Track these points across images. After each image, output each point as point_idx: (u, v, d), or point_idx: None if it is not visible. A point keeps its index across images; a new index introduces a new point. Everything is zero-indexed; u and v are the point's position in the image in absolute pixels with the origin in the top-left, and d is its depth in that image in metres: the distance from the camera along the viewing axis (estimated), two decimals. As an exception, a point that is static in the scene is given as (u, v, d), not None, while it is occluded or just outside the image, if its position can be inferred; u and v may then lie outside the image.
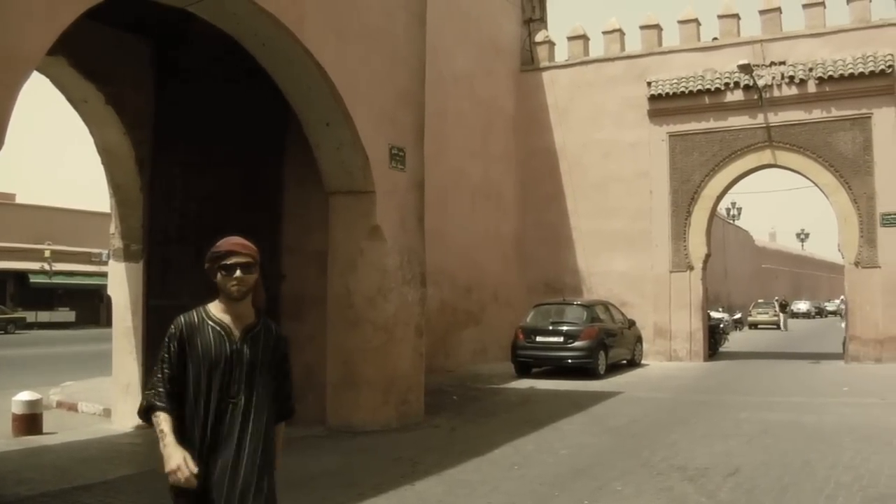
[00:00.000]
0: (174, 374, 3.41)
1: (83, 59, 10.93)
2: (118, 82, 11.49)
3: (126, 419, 11.61)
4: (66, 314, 47.84)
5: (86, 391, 15.16)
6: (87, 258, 47.73)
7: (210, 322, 3.47)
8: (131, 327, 11.82)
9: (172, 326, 3.48)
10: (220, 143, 11.25)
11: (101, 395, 13.57)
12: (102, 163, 12.02)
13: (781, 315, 42.38)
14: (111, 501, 7.30)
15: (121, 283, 12.00)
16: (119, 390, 11.96)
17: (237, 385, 3.40)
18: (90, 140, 12.04)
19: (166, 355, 3.45)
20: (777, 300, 45.29)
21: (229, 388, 3.39)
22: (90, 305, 48.85)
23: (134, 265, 11.90)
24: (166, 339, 3.46)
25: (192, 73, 11.53)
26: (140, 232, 11.90)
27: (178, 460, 3.28)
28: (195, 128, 11.38)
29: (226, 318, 3.48)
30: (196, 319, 3.48)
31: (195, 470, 3.28)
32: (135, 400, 11.57)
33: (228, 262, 3.44)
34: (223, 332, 3.45)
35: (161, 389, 3.40)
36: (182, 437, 3.37)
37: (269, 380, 3.52)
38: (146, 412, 3.44)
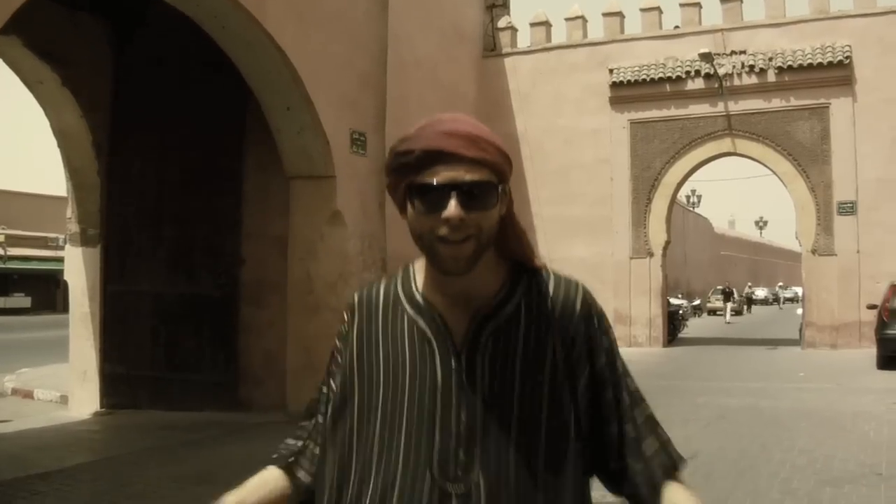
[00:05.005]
0: (336, 412, 1.63)
1: (38, 39, 10.73)
2: (74, 64, 11.30)
3: (83, 406, 11.48)
4: (21, 300, 47.12)
5: (42, 378, 14.96)
6: (43, 243, 47.01)
7: (407, 304, 1.57)
8: (88, 313, 11.67)
9: (345, 312, 1.67)
10: (179, 127, 11.12)
11: (58, 382, 13.39)
12: (59, 146, 11.83)
13: (725, 305, 38.05)
14: (68, 489, 7.21)
15: (78, 269, 11.84)
16: (76, 377, 11.81)
17: (462, 453, 1.47)
18: (46, 122, 11.85)
19: (327, 376, 1.69)
20: (722, 287, 40.57)
21: (444, 458, 1.47)
22: (46, 291, 48.14)
23: (91, 250, 11.74)
24: (335, 344, 1.68)
25: (150, 55, 11.37)
26: (97, 216, 11.74)
27: None
28: (154, 111, 11.23)
29: (434, 297, 1.55)
30: (384, 295, 1.61)
31: None
32: (92, 386, 11.48)
33: (429, 181, 1.43)
34: (428, 328, 1.53)
35: (310, 445, 1.70)
36: None
37: (557, 428, 1.51)
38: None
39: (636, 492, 1.55)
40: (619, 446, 1.56)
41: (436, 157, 1.42)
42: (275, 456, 1.70)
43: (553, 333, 1.53)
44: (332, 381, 1.65)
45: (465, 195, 1.41)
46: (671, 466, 1.57)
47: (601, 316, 1.60)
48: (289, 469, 1.67)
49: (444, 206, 1.41)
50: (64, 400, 12.35)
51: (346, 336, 1.62)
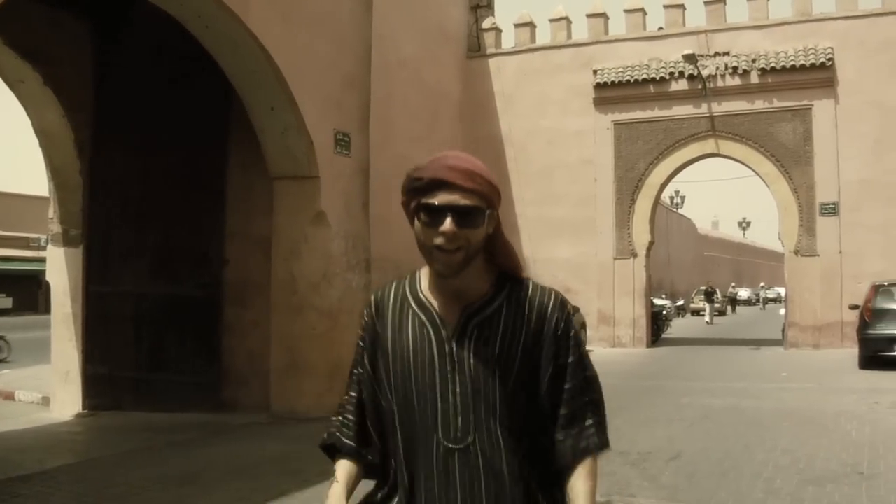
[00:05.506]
0: (370, 391, 2.09)
1: (19, 38, 10.66)
2: (56, 63, 11.23)
3: (65, 407, 11.41)
4: (2, 301, 46.70)
5: (24, 379, 14.87)
6: (24, 243, 46.67)
7: (412, 301, 2.02)
8: (71, 314, 11.60)
9: (364, 311, 2.13)
10: (162, 127, 11.07)
11: (40, 384, 13.32)
12: (40, 145, 11.76)
13: (707, 305, 36.75)
14: (50, 492, 7.17)
15: (60, 269, 11.77)
16: (58, 378, 11.74)
17: (460, 417, 1.92)
18: (28, 121, 11.77)
19: (356, 360, 2.13)
20: (704, 288, 38.84)
21: (445, 423, 1.92)
22: (28, 292, 47.77)
23: (73, 250, 11.67)
24: (359, 333, 2.13)
25: (134, 55, 11.32)
26: (80, 216, 11.67)
27: None
28: (137, 111, 11.18)
29: (434, 296, 2.00)
30: (394, 295, 2.06)
31: None
32: (74, 387, 11.41)
33: (432, 202, 1.88)
34: (426, 320, 1.99)
35: (349, 417, 2.12)
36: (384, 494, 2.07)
37: (530, 398, 1.98)
38: (327, 450, 2.20)
39: (560, 461, 1.99)
40: (563, 423, 1.99)
41: (440, 185, 1.86)
42: (340, 441, 2.12)
43: (526, 328, 1.97)
44: (360, 366, 2.10)
45: (459, 215, 1.85)
46: (586, 448, 1.99)
47: (569, 319, 2.04)
48: (353, 455, 2.10)
49: (442, 222, 1.85)
50: (46, 401, 12.27)
51: (367, 329, 2.07)
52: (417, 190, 1.89)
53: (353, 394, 2.12)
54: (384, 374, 2.01)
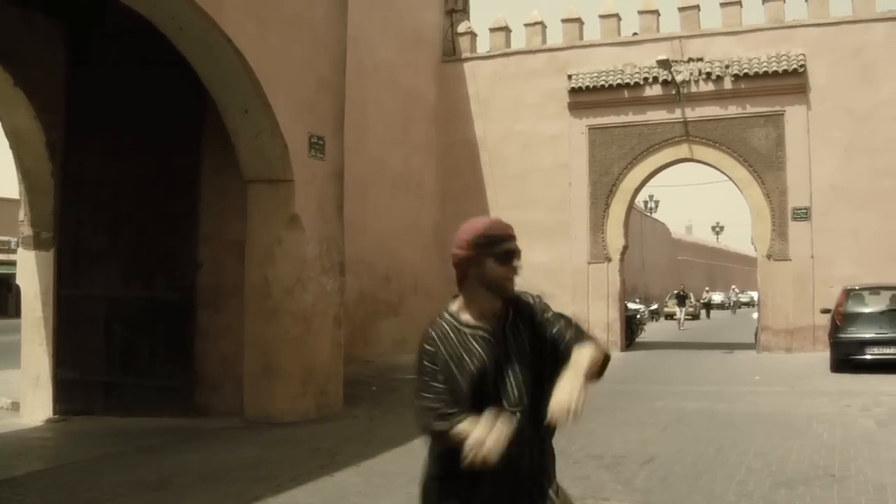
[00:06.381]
0: (448, 395, 2.79)
1: (-11, 38, 10.56)
2: (28, 64, 11.14)
3: (35, 412, 11.30)
4: (-28, 304, 46.21)
5: (-7, 383, 14.68)
6: (-6, 246, 46.17)
7: (467, 329, 2.85)
8: (41, 318, 11.49)
9: (425, 344, 2.87)
10: (135, 130, 11.00)
11: (9, 388, 13.15)
12: (11, 147, 11.66)
13: (679, 310, 36.21)
14: (20, 498, 7.09)
15: (31, 273, 11.66)
16: (28, 383, 11.62)
17: (516, 390, 2.79)
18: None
19: (432, 376, 2.82)
20: (676, 291, 38.35)
21: (507, 396, 2.78)
22: (-2, 295, 47.31)
23: (44, 253, 11.56)
24: (420, 359, 2.86)
25: (106, 56, 11.23)
26: (51, 219, 11.56)
27: (479, 429, 2.56)
28: (110, 113, 11.10)
29: (475, 319, 2.86)
30: (449, 328, 2.87)
31: (503, 431, 2.56)
32: (45, 392, 11.29)
33: (509, 248, 2.80)
34: (482, 335, 2.83)
35: (441, 405, 2.78)
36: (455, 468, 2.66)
37: (544, 361, 2.84)
38: (441, 436, 2.77)
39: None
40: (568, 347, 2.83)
41: (507, 238, 2.83)
42: (450, 412, 2.74)
43: (530, 323, 2.87)
44: (436, 381, 2.80)
45: (518, 257, 2.84)
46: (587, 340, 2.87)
47: (546, 305, 2.98)
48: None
49: (513, 262, 2.83)
50: (15, 406, 12.14)
51: (434, 354, 2.82)
52: (492, 243, 2.79)
53: (437, 387, 2.79)
54: (460, 377, 2.77)
